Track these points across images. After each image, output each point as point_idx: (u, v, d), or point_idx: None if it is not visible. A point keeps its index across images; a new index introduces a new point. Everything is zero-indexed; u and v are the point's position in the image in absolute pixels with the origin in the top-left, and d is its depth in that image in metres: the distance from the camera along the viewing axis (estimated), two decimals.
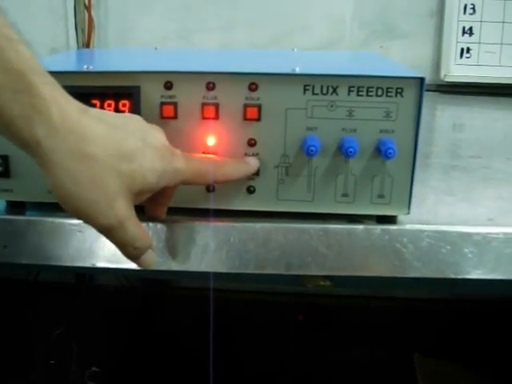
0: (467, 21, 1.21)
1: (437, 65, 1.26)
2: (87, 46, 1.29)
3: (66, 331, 0.87)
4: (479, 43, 1.21)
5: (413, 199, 0.52)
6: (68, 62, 0.67)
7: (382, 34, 1.28)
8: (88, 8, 1.28)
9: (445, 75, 1.23)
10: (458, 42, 1.22)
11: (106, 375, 0.97)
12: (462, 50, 1.22)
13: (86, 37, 1.30)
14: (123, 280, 1.02)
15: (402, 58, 1.27)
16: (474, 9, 1.20)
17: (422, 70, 1.31)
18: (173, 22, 1.31)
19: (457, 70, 1.23)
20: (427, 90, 1.30)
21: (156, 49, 0.77)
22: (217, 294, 0.87)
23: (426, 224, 0.52)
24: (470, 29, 1.21)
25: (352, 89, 0.49)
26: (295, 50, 0.75)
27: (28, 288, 0.82)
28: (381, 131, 0.49)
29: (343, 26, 1.28)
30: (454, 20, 1.22)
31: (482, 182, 0.65)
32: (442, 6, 1.23)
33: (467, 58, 1.22)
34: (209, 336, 0.96)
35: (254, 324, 0.98)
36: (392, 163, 0.50)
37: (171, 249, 0.52)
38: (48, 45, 1.33)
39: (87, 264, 0.54)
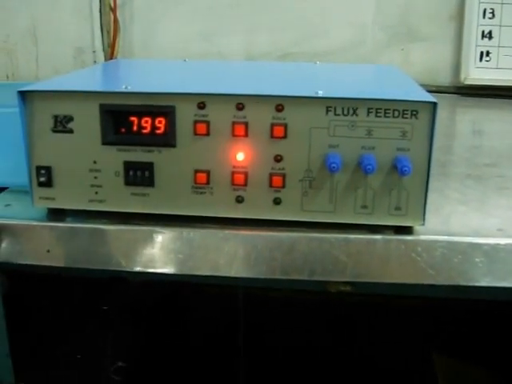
0: (486, 25, 1.24)
1: (457, 68, 1.28)
2: (112, 46, 1.33)
3: (91, 326, 0.90)
4: (498, 47, 1.24)
5: (429, 208, 0.55)
6: (105, 78, 0.72)
7: (403, 37, 1.31)
8: (113, 10, 1.33)
9: (465, 78, 1.26)
10: (477, 46, 1.25)
11: (132, 370, 1.01)
12: (482, 53, 1.25)
13: (111, 38, 1.34)
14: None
15: (422, 61, 1.30)
16: (493, 13, 1.23)
17: (443, 73, 1.34)
18: (197, 25, 1.35)
19: (476, 73, 1.26)
20: (447, 93, 1.32)
21: (185, 61, 0.82)
22: (243, 291, 0.91)
23: (440, 234, 0.56)
24: (490, 33, 1.24)
25: (371, 110, 0.53)
26: (318, 63, 0.79)
27: (53, 283, 0.85)
28: (397, 149, 0.53)
29: (365, 29, 1.31)
30: (474, 24, 1.24)
31: (495, 192, 0.68)
32: (461, 10, 1.26)
33: (487, 61, 1.25)
34: (235, 332, 1.00)
35: (277, 320, 1.02)
36: (408, 179, 0.54)
37: (203, 255, 0.56)
38: (73, 45, 1.38)
39: (125, 269, 0.58)
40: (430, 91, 0.64)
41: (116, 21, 1.33)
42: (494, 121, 1.11)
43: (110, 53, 1.32)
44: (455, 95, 1.27)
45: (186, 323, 1.04)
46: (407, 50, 1.31)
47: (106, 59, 1.34)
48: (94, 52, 1.36)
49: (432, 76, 1.29)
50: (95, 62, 1.36)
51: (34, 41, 1.38)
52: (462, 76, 1.26)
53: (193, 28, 1.35)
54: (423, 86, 0.68)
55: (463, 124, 1.10)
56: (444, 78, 1.29)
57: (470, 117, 1.15)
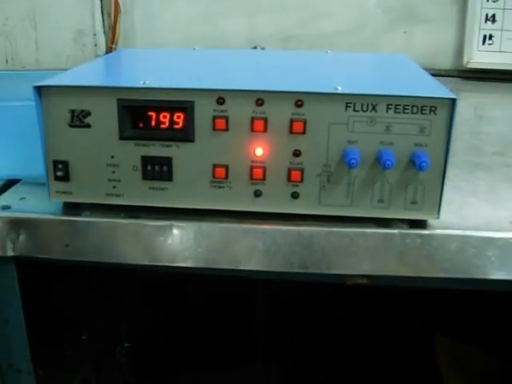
0: (490, 8, 1.23)
1: (459, 51, 1.28)
2: (113, 29, 1.32)
3: (96, 307, 0.90)
4: (501, 30, 1.24)
5: None
6: (121, 72, 0.72)
7: (405, 20, 1.30)
8: None
9: (467, 61, 1.26)
10: (480, 29, 1.25)
11: (136, 350, 1.02)
12: (485, 36, 1.25)
13: (111, 20, 1.32)
14: None
15: (424, 44, 1.30)
16: None
17: (445, 56, 1.33)
18: (198, 7, 1.33)
19: (479, 57, 1.26)
20: (450, 76, 1.31)
21: (195, 49, 0.82)
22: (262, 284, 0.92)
23: (453, 227, 0.57)
24: (493, 16, 1.24)
25: (390, 106, 0.53)
26: (329, 52, 0.79)
27: (68, 273, 0.85)
28: (415, 145, 0.54)
29: (367, 11, 1.31)
30: (477, 7, 1.24)
31: (504, 182, 0.69)
32: None
33: (489, 44, 1.25)
34: (238, 314, 1.01)
35: (284, 304, 1.03)
36: (425, 173, 0.54)
37: (222, 249, 0.57)
38: (74, 27, 1.36)
39: (144, 262, 0.59)
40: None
41: (117, 3, 1.31)
42: (498, 105, 1.12)
43: (111, 36, 1.31)
44: (457, 78, 1.27)
45: (201, 316, 1.05)
46: (409, 32, 1.31)
47: (106, 42, 1.33)
48: (94, 35, 1.35)
49: (434, 59, 1.29)
50: (96, 45, 1.35)
51: (33, 23, 1.36)
52: (465, 59, 1.26)
53: (195, 10, 1.33)
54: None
55: (467, 108, 1.10)
56: (446, 61, 1.29)
57: (473, 101, 1.16)
